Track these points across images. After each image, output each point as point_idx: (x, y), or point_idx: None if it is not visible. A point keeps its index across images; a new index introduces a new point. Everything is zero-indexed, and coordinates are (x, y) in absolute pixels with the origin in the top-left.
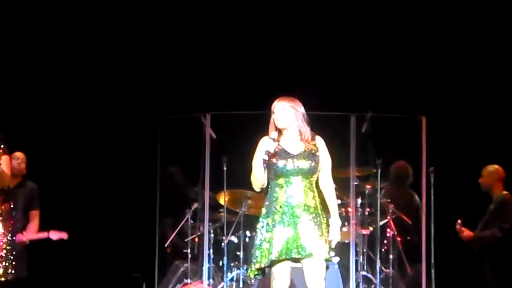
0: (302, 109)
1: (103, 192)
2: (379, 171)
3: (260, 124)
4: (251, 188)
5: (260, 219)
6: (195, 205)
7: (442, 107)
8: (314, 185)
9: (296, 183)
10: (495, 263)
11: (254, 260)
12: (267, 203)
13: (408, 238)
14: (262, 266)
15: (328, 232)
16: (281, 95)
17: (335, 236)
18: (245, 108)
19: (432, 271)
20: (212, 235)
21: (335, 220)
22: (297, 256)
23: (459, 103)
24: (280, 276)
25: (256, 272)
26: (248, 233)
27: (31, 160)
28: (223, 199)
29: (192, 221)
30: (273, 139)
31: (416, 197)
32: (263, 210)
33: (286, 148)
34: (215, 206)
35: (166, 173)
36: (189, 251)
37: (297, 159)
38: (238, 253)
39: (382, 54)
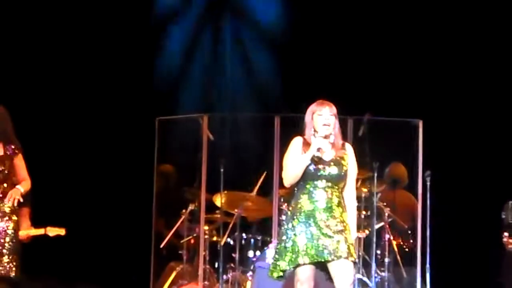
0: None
1: (99, 192)
2: (376, 174)
3: (257, 126)
4: (248, 190)
5: (286, 221)
6: (191, 207)
7: (439, 111)
8: (340, 192)
9: (324, 188)
10: None
11: (278, 262)
12: (293, 205)
13: (404, 241)
14: (289, 268)
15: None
16: (321, 98)
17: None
18: (243, 110)
19: (427, 275)
20: (208, 236)
21: (352, 232)
22: (329, 258)
23: (456, 107)
24: (306, 279)
25: (280, 274)
26: (244, 235)
27: (28, 159)
28: (219, 200)
29: (188, 222)
30: (322, 137)
31: (413, 198)
32: (289, 213)
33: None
34: (211, 208)
35: (162, 174)
36: (184, 252)
37: (328, 166)
38: (233, 255)
39: (380, 57)
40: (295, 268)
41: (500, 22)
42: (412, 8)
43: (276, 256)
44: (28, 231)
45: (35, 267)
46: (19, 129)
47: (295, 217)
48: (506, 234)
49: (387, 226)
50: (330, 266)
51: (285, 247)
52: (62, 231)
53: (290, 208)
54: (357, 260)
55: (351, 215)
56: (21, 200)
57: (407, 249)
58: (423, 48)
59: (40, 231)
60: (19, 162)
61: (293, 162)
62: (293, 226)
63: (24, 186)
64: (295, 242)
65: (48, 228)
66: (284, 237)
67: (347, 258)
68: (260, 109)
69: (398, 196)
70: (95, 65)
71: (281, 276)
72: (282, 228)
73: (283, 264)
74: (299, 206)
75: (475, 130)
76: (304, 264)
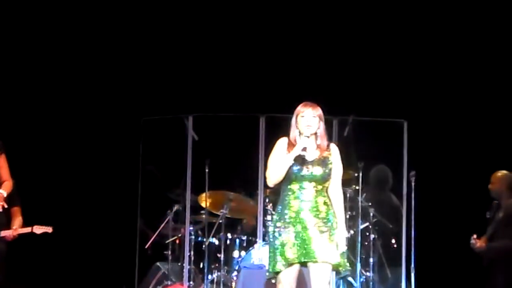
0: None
1: (85, 192)
2: (361, 174)
3: (242, 126)
4: (233, 190)
5: (272, 223)
6: (177, 207)
7: (424, 112)
8: (326, 192)
9: (309, 188)
10: (508, 274)
11: (269, 264)
12: (279, 207)
13: (389, 242)
14: (277, 270)
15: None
16: (306, 100)
17: (340, 245)
18: (228, 110)
19: (412, 274)
20: (193, 237)
21: (341, 229)
22: (305, 260)
23: (441, 108)
24: (286, 280)
25: (271, 275)
26: (229, 235)
27: (14, 159)
28: (204, 201)
29: (173, 223)
30: (307, 137)
31: (396, 199)
32: (275, 215)
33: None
34: (196, 208)
35: (147, 174)
36: (170, 252)
37: (312, 166)
38: (218, 255)
39: (365, 58)
40: (285, 268)
41: (484, 24)
42: (398, 10)
43: (269, 258)
44: (14, 229)
45: (20, 268)
46: (4, 129)
47: (282, 219)
48: (474, 236)
49: (371, 226)
50: (310, 266)
51: (275, 250)
52: (49, 229)
53: (277, 210)
54: (339, 262)
55: (339, 213)
56: (6, 206)
57: (392, 249)
58: (408, 49)
59: (27, 230)
60: (2, 163)
61: (277, 162)
62: (279, 228)
63: (6, 188)
64: (283, 244)
65: (35, 226)
66: (271, 239)
67: (326, 261)
68: (245, 109)
69: (382, 198)
70: (80, 65)
71: (272, 277)
72: (270, 229)
73: (279, 265)
74: (285, 207)
75: (459, 130)
76: (289, 264)
